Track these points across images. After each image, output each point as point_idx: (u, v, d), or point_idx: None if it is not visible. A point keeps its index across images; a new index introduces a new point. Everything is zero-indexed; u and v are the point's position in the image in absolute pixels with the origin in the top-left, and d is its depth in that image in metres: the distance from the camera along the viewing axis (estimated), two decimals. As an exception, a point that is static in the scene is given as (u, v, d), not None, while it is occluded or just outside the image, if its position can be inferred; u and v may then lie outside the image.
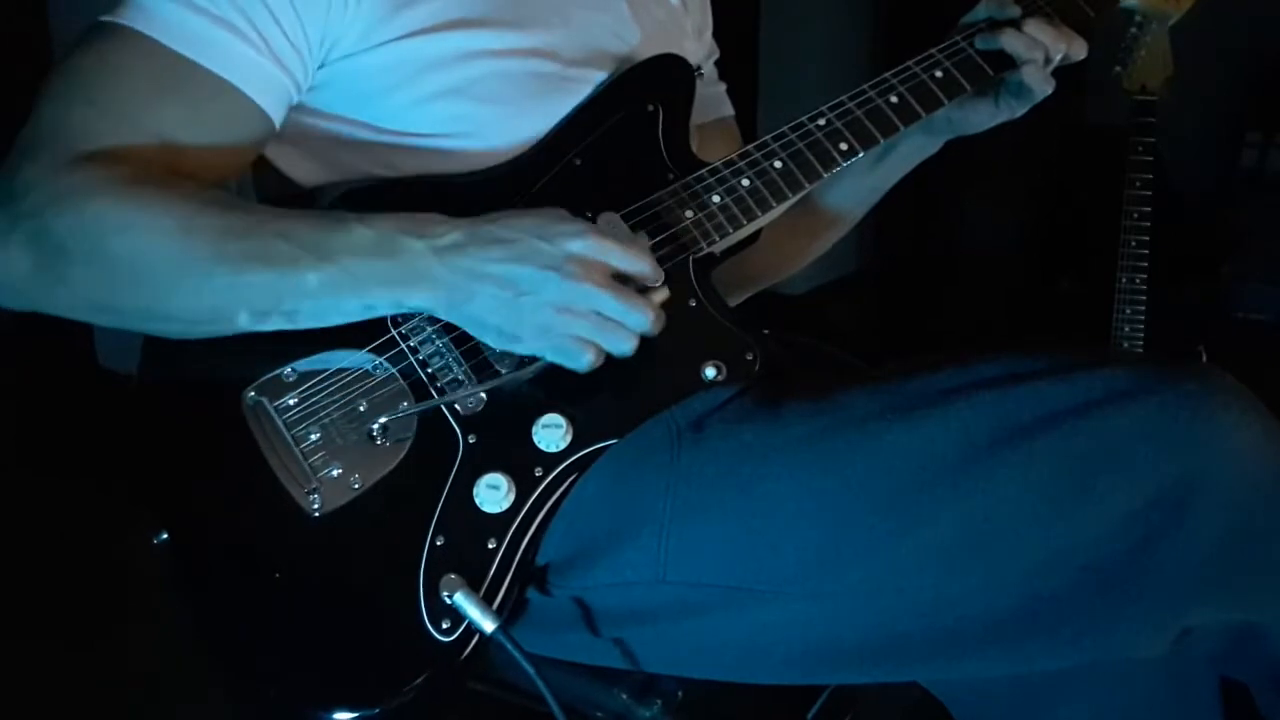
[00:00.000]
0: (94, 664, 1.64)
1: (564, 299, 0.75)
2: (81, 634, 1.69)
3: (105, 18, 0.79)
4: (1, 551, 1.83)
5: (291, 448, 0.79)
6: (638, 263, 0.79)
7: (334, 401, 0.81)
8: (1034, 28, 0.95)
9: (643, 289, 0.80)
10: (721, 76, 1.14)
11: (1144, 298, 1.76)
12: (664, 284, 0.82)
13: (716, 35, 1.14)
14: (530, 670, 0.71)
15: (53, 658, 1.65)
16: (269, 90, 0.81)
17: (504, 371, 0.81)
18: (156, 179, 0.76)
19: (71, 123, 0.77)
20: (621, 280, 0.79)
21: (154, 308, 0.77)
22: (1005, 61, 0.96)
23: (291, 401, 0.80)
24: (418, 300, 0.77)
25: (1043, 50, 0.95)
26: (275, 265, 0.75)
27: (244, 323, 0.77)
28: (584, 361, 0.77)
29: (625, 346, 0.78)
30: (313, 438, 0.80)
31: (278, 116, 0.83)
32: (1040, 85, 0.95)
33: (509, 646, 0.72)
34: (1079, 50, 0.97)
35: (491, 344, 0.79)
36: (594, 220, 0.86)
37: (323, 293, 0.75)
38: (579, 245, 0.76)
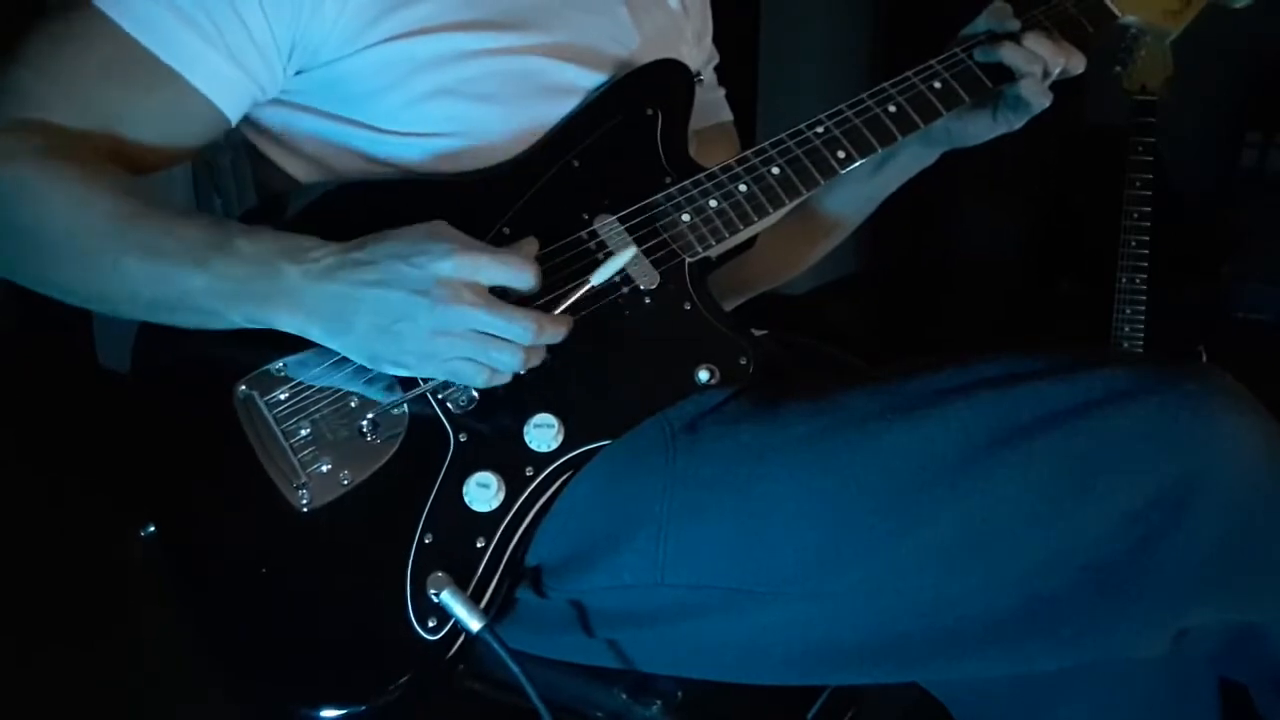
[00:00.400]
0: (93, 663, 1.64)
1: (439, 323, 0.74)
2: (81, 632, 1.69)
3: None
4: (1, 550, 1.83)
5: (281, 442, 0.79)
6: (511, 273, 0.76)
7: (325, 397, 0.80)
8: (1033, 41, 0.95)
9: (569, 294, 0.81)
10: (721, 80, 1.14)
11: (1144, 298, 1.76)
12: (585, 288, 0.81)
13: (716, 38, 1.14)
14: (515, 669, 0.71)
15: (52, 657, 1.64)
16: (222, 86, 0.82)
17: None
18: (78, 158, 0.77)
19: (16, 85, 0.78)
20: (502, 293, 0.77)
21: (48, 278, 0.79)
22: (1004, 74, 0.96)
23: (282, 396, 0.80)
24: (290, 323, 0.76)
25: (1041, 64, 0.95)
26: (156, 260, 0.75)
27: (131, 310, 0.78)
28: (478, 381, 0.77)
29: (512, 361, 0.76)
30: (303, 433, 0.80)
31: (233, 112, 0.84)
32: (1038, 99, 0.95)
33: (495, 645, 0.72)
34: (1077, 65, 0.97)
35: (378, 369, 0.78)
36: (590, 222, 0.87)
37: (200, 297, 0.76)
38: (445, 266, 0.74)
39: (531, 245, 0.83)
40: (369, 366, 0.78)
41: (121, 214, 0.76)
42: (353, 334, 0.76)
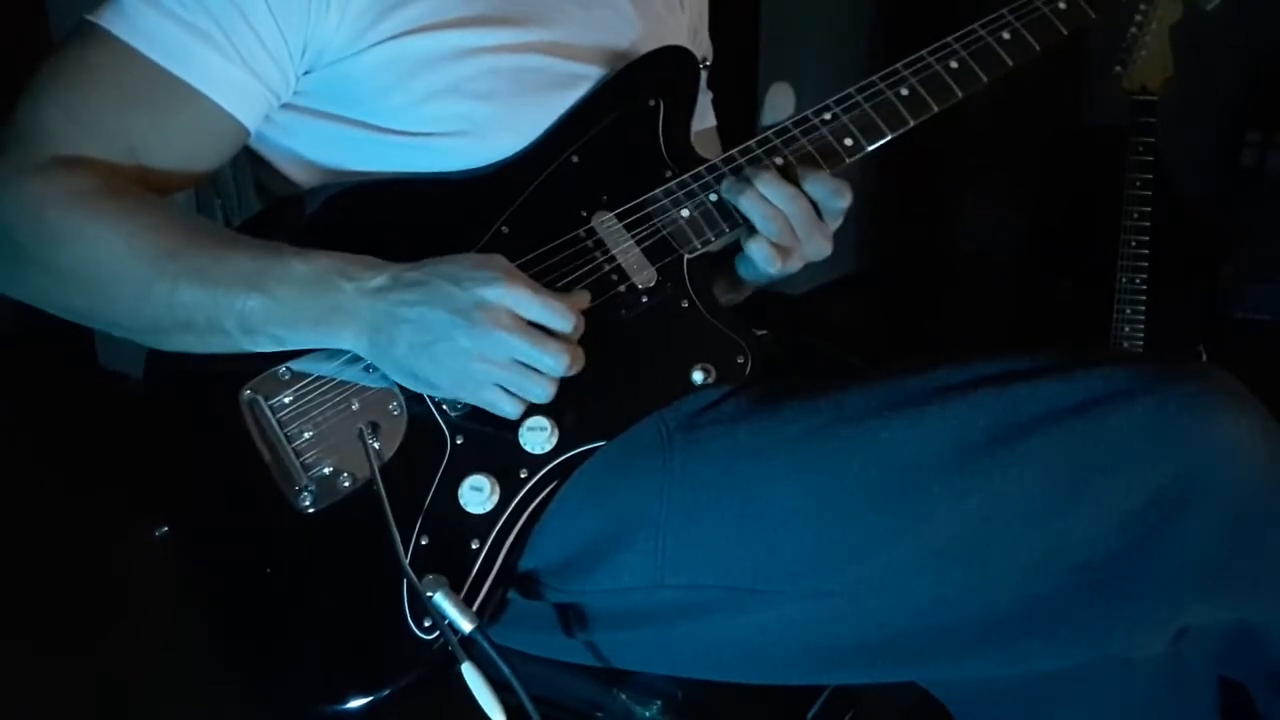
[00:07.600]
0: (94, 664, 1.64)
1: (477, 347, 0.75)
2: (82, 633, 1.69)
3: (90, 17, 0.80)
4: (2, 550, 1.84)
5: (285, 445, 0.79)
6: (552, 315, 0.77)
7: (327, 401, 0.81)
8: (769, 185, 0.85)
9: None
10: (721, 77, 1.14)
11: (1144, 298, 1.76)
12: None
13: (716, 37, 1.14)
14: (506, 670, 0.72)
15: (53, 657, 1.65)
16: (241, 98, 0.82)
17: None
18: (116, 193, 0.78)
19: (44, 126, 0.78)
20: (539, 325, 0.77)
21: (98, 313, 0.80)
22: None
23: (286, 400, 0.81)
24: (345, 339, 0.78)
25: (780, 218, 0.86)
26: (209, 288, 0.76)
27: (183, 340, 0.79)
28: (511, 411, 0.78)
29: (543, 393, 0.78)
30: (306, 436, 0.80)
31: (252, 123, 0.84)
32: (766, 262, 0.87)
33: (486, 646, 0.72)
34: (834, 199, 0.88)
35: (416, 389, 0.79)
36: (588, 219, 0.87)
37: (256, 320, 0.77)
38: (489, 293, 0.75)
39: (584, 297, 0.83)
40: (409, 387, 0.79)
41: (171, 246, 0.77)
42: (395, 351, 0.77)
